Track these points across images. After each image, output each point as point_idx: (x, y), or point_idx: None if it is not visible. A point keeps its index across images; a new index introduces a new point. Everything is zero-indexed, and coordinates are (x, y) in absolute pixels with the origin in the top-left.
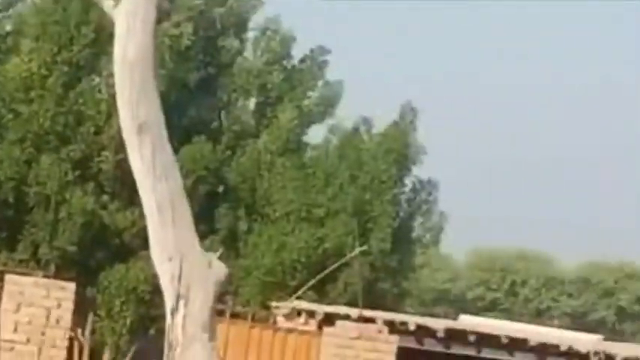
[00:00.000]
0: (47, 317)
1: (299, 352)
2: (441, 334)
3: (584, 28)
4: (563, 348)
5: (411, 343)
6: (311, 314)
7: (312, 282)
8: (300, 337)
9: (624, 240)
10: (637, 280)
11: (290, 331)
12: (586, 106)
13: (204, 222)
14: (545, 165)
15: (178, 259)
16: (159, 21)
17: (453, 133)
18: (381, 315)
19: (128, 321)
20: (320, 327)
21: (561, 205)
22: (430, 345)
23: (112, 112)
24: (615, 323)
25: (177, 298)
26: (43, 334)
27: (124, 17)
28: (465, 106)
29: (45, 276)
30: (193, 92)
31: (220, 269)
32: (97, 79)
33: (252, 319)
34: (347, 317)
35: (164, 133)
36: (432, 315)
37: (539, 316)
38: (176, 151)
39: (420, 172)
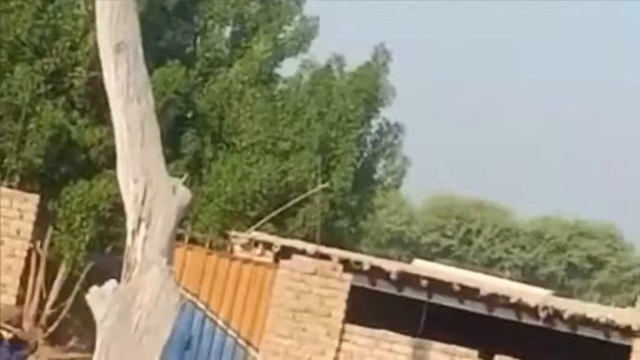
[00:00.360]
0: (8, 227)
1: (253, 283)
2: (394, 277)
3: None
4: (512, 300)
5: (364, 283)
6: (268, 246)
7: (272, 214)
8: (256, 268)
9: (580, 197)
10: (589, 238)
11: (246, 261)
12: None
13: (171, 146)
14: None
15: (143, 182)
16: None
17: (423, 78)
18: (336, 253)
19: (87, 237)
20: (276, 260)
21: (523, 159)
22: (383, 286)
23: (88, 28)
24: (564, 279)
25: (139, 220)
26: (2, 243)
27: None
28: (439, 51)
29: (9, 186)
30: (171, 16)
31: (184, 195)
32: None
33: (210, 246)
34: (303, 252)
35: (140, 54)
36: (386, 257)
37: (491, 266)
38: (149, 73)
39: (387, 114)
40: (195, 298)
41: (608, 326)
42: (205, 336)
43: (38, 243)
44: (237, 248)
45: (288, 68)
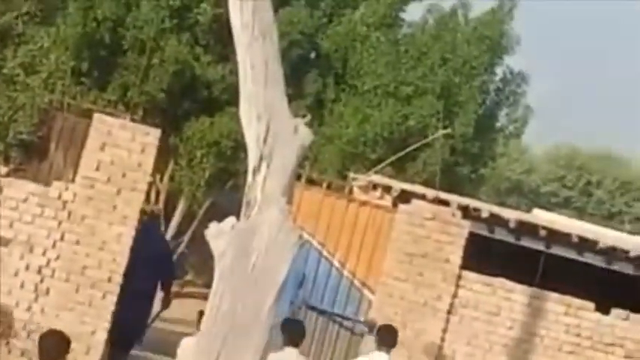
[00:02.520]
0: (130, 160)
1: (371, 225)
2: (512, 225)
3: None
4: (632, 254)
5: (482, 230)
6: (387, 189)
7: (392, 158)
8: (374, 211)
9: None
10: None
11: (364, 203)
12: None
13: (293, 86)
14: None
15: (266, 120)
16: None
17: (550, 25)
18: (455, 199)
19: (207, 173)
20: (395, 203)
21: None
22: (501, 234)
23: None
24: None
25: (261, 158)
26: (124, 175)
27: None
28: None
29: (132, 119)
30: None
31: (306, 135)
32: None
33: (328, 187)
34: (422, 197)
35: None
36: (504, 205)
37: (610, 219)
38: (275, 12)
39: (511, 62)
40: (312, 237)
41: None
42: (320, 276)
43: (158, 177)
44: (356, 190)
45: (413, 12)
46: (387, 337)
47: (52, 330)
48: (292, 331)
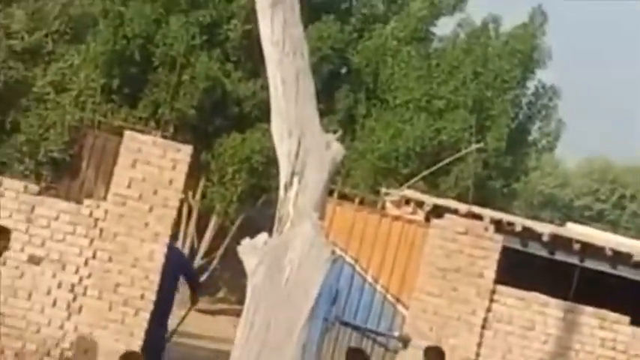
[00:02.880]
0: (161, 177)
1: (404, 240)
2: (546, 239)
3: None
4: None
5: (516, 244)
6: (419, 204)
7: (424, 172)
8: (407, 226)
9: None
10: None
11: (397, 218)
12: None
13: (324, 101)
14: None
15: (297, 135)
16: None
17: (582, 41)
18: (488, 213)
19: (239, 189)
20: (427, 218)
21: None
22: (534, 248)
23: None
24: None
25: (292, 174)
26: (155, 192)
27: None
28: (599, 14)
29: (163, 136)
30: None
31: (337, 151)
32: None
33: (361, 202)
34: (455, 211)
35: (296, 8)
36: (538, 219)
37: None
38: (305, 28)
39: (543, 76)
40: (344, 253)
41: None
42: (354, 291)
43: (190, 194)
44: (389, 205)
45: (443, 27)
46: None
47: (130, 351)
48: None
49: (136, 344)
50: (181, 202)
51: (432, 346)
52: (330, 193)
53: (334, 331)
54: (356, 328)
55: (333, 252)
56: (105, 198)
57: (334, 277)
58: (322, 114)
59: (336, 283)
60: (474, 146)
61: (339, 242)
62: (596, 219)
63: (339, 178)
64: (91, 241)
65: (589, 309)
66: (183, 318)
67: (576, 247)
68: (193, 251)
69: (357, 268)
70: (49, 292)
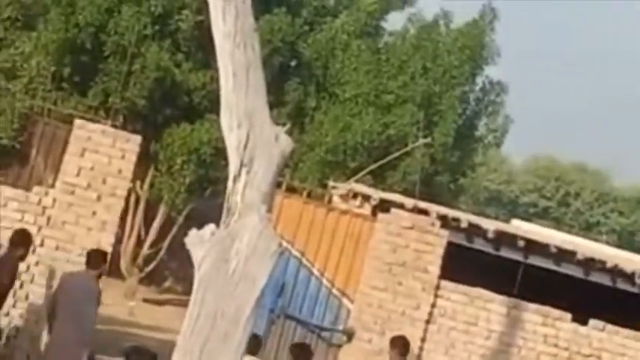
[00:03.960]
0: (110, 166)
1: (350, 234)
2: (491, 235)
3: None
4: (609, 265)
5: (461, 240)
6: (366, 198)
7: (372, 167)
8: (354, 220)
9: None
10: None
11: (344, 212)
12: None
13: (274, 94)
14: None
15: (247, 127)
16: None
17: (530, 35)
18: (435, 208)
19: (187, 180)
20: (374, 212)
21: (627, 124)
22: (479, 244)
23: None
24: None
25: (241, 165)
26: (104, 181)
27: None
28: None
29: (113, 125)
30: None
31: (286, 143)
32: None
33: (308, 195)
34: (401, 206)
35: (248, 0)
36: (483, 215)
37: (588, 230)
38: (256, 20)
39: (491, 72)
40: (291, 245)
41: None
42: (300, 284)
43: (138, 183)
44: (336, 199)
45: (394, 21)
46: (399, 348)
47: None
48: (251, 342)
49: None
50: (129, 191)
51: (398, 336)
52: (279, 185)
53: (279, 325)
54: (300, 322)
55: (281, 244)
56: (53, 186)
57: (280, 269)
58: (272, 106)
59: (283, 276)
60: (422, 141)
61: (286, 235)
62: (541, 216)
63: (287, 170)
64: (39, 228)
65: (532, 306)
66: None
67: (521, 243)
68: (140, 241)
69: (304, 261)
70: None
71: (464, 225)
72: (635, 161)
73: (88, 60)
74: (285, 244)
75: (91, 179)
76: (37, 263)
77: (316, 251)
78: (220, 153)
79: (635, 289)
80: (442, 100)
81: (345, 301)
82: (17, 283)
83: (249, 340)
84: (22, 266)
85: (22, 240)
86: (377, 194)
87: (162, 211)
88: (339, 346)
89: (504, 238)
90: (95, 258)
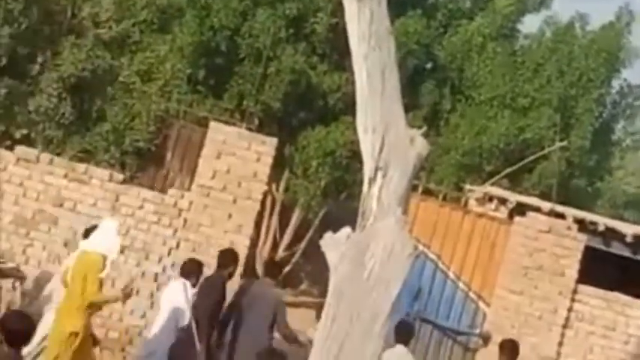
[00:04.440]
0: (245, 169)
1: (486, 238)
2: (629, 239)
3: None
4: None
5: (599, 244)
6: (503, 201)
7: (508, 170)
8: (490, 223)
9: None
10: None
11: (480, 215)
12: None
13: (409, 96)
14: None
15: (382, 130)
16: None
17: None
18: (571, 212)
19: (322, 182)
20: (510, 215)
21: None
22: (617, 248)
23: None
24: None
25: (376, 168)
26: (239, 184)
27: None
28: None
29: (248, 128)
30: None
31: (422, 146)
32: None
33: (444, 198)
34: (538, 209)
35: (383, 2)
36: (621, 219)
37: None
38: (391, 22)
39: (629, 75)
40: (427, 249)
41: None
42: (436, 288)
43: (274, 186)
44: (472, 202)
45: (529, 24)
46: (508, 352)
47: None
48: (403, 331)
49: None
50: (265, 194)
51: (507, 339)
52: (414, 188)
53: (415, 328)
54: (437, 325)
55: (416, 248)
56: (189, 188)
57: (417, 273)
58: (407, 109)
59: (419, 280)
60: (558, 144)
61: (422, 238)
62: None
63: (423, 173)
64: (175, 231)
65: None
66: None
67: None
68: (276, 244)
69: (440, 264)
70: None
71: (601, 229)
72: None
73: (223, 63)
74: (421, 247)
75: (227, 182)
76: (172, 265)
77: (452, 255)
78: (356, 156)
79: None
80: (578, 103)
81: (481, 304)
82: (154, 285)
83: (401, 329)
84: (157, 267)
85: (229, 259)
86: (513, 197)
87: (297, 214)
88: (476, 350)
89: None
90: (225, 258)
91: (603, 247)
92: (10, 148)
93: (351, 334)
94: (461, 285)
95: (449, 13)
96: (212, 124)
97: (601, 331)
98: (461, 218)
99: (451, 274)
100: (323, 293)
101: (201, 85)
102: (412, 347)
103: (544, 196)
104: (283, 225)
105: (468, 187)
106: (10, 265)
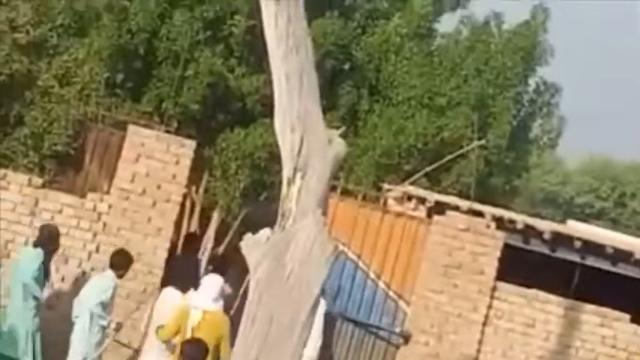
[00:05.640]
0: (164, 171)
1: (406, 237)
2: (547, 236)
3: None
4: None
5: (517, 242)
6: (421, 201)
7: (426, 169)
8: (409, 222)
9: None
10: None
11: (399, 214)
12: None
13: (327, 97)
14: None
15: (300, 132)
16: None
17: (582, 37)
18: (490, 210)
19: (242, 184)
20: (429, 215)
21: None
22: (535, 246)
23: None
24: None
25: (295, 169)
26: (159, 187)
27: None
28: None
29: (167, 131)
30: None
31: (340, 147)
32: None
33: (363, 198)
34: (457, 208)
35: (300, 3)
36: (539, 216)
37: None
38: (308, 24)
39: (545, 73)
40: (347, 248)
41: None
42: (356, 287)
43: (193, 189)
44: (391, 202)
45: (446, 23)
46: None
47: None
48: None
49: (137, 338)
50: (184, 196)
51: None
52: (333, 188)
53: (337, 327)
54: (358, 323)
55: (336, 248)
56: (108, 192)
57: (337, 273)
58: (325, 110)
59: (339, 279)
60: (476, 143)
61: (341, 238)
62: (597, 216)
63: (341, 173)
64: (95, 235)
65: (590, 306)
66: None
67: (577, 244)
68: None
69: (360, 264)
70: (51, 286)
71: (520, 226)
72: None
73: (141, 66)
74: (341, 247)
75: (146, 185)
76: (92, 269)
77: (372, 254)
78: (275, 157)
79: None
80: (496, 101)
81: (401, 303)
82: (74, 289)
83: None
84: (77, 271)
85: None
86: (432, 196)
87: (217, 216)
88: (397, 347)
89: (561, 240)
90: (118, 259)
91: (522, 245)
92: None
93: (271, 335)
94: (381, 284)
95: (366, 13)
96: (130, 127)
97: (520, 328)
98: (380, 218)
99: (371, 274)
100: (244, 295)
101: (119, 89)
102: (334, 344)
103: (462, 195)
104: (203, 227)
105: (386, 186)
106: None
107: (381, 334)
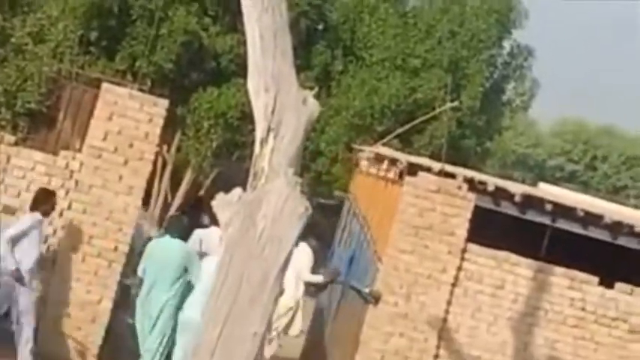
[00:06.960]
0: (137, 130)
1: (381, 199)
2: (518, 199)
3: None
4: (636, 229)
5: (488, 204)
6: (393, 162)
7: (399, 130)
8: (381, 183)
9: None
10: None
11: (369, 174)
12: None
13: (301, 57)
14: None
15: (274, 91)
16: None
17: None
18: (461, 172)
19: (214, 144)
20: (401, 176)
21: None
22: (506, 208)
23: None
24: None
25: (268, 129)
26: (131, 145)
27: None
28: None
29: (140, 89)
30: None
31: (314, 107)
32: None
33: (336, 159)
34: (428, 169)
35: None
36: (510, 178)
37: (615, 194)
38: None
39: (519, 36)
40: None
41: None
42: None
43: (165, 147)
44: (363, 162)
45: None
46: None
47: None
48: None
49: (108, 295)
50: (156, 155)
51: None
52: (306, 148)
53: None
54: (343, 283)
55: (307, 208)
56: (80, 150)
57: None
58: (299, 70)
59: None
60: (449, 105)
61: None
62: (569, 179)
63: (315, 134)
64: (67, 192)
65: (559, 269)
66: None
67: (548, 207)
68: (167, 204)
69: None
70: None
71: (490, 188)
72: None
73: (116, 24)
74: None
75: (118, 143)
76: (64, 227)
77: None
78: (247, 117)
79: None
80: (469, 64)
81: (379, 264)
82: (44, 247)
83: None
84: (49, 229)
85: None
86: (404, 157)
87: (189, 175)
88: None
89: (531, 202)
90: (39, 198)
91: (492, 207)
92: None
93: (243, 294)
94: (372, 246)
95: None
96: (104, 85)
97: (490, 289)
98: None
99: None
100: None
101: (93, 47)
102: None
103: (434, 157)
104: (175, 186)
105: (358, 147)
106: None
107: (362, 293)
